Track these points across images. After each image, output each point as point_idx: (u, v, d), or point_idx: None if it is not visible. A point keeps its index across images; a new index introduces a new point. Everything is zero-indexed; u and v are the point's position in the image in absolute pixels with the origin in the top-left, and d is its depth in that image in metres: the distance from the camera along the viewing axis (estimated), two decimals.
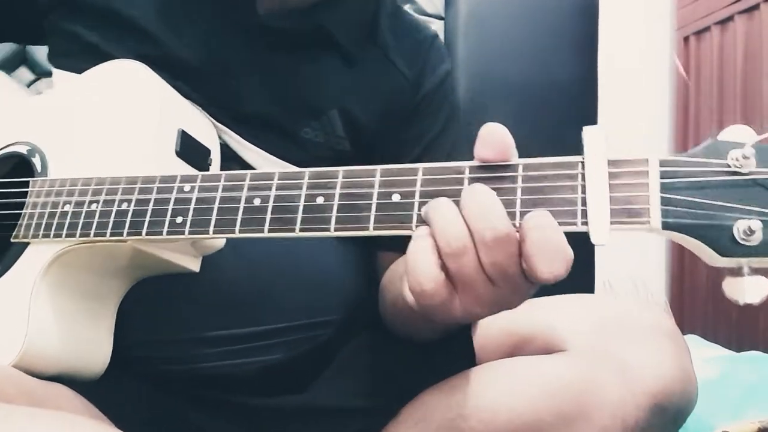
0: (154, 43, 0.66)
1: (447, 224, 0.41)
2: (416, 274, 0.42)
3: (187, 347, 0.61)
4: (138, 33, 0.67)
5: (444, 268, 0.42)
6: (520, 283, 0.42)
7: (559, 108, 1.32)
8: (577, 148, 0.44)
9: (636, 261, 1.88)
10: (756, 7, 1.62)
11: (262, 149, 0.68)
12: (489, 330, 0.64)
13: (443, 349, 0.64)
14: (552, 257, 0.39)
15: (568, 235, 0.41)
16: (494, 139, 0.42)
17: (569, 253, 0.40)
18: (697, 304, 1.79)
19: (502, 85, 1.30)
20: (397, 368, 0.67)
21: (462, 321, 0.45)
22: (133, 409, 0.58)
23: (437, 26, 1.35)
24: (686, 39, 1.88)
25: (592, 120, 1.36)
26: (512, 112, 1.23)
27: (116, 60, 0.62)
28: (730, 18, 1.71)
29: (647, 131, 1.92)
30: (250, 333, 0.62)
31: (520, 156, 0.44)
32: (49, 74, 0.76)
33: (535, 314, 0.63)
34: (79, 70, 0.65)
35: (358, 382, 0.67)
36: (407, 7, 1.32)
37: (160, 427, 0.61)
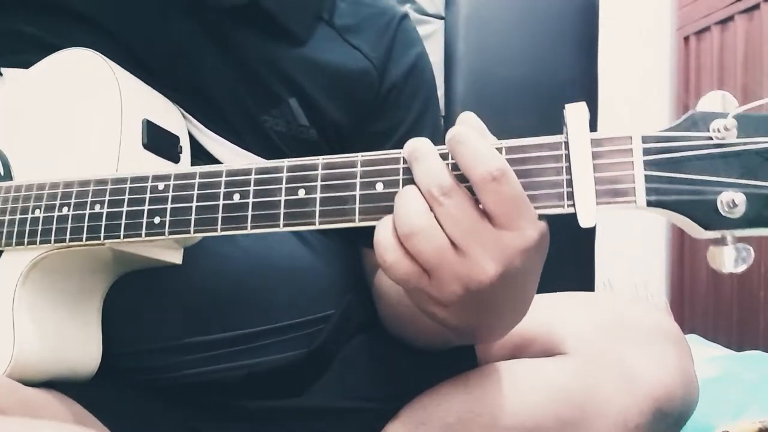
0: (102, 31, 0.62)
1: (403, 203, 0.41)
2: (378, 246, 0.41)
3: (167, 356, 0.60)
4: (84, 23, 0.63)
5: (405, 249, 0.41)
6: (482, 233, 0.40)
7: (559, 108, 1.32)
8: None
9: (636, 261, 1.88)
10: (756, 7, 1.62)
11: (230, 141, 0.65)
12: None
13: (444, 350, 0.63)
14: (476, 156, 0.39)
15: (559, 218, 0.41)
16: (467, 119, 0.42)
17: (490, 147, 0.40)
18: (697, 304, 1.78)
19: (501, 85, 1.30)
20: (396, 369, 0.67)
21: (453, 311, 0.43)
22: (129, 416, 0.57)
23: (437, 26, 1.35)
24: (686, 39, 1.88)
25: (593, 120, 1.35)
26: (512, 112, 1.23)
27: (67, 49, 0.58)
28: (730, 18, 1.71)
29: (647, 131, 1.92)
30: (230, 337, 0.61)
31: None
32: None
33: (536, 315, 0.63)
34: (29, 66, 0.61)
35: (356, 383, 0.66)
36: (407, 7, 1.31)
37: None
